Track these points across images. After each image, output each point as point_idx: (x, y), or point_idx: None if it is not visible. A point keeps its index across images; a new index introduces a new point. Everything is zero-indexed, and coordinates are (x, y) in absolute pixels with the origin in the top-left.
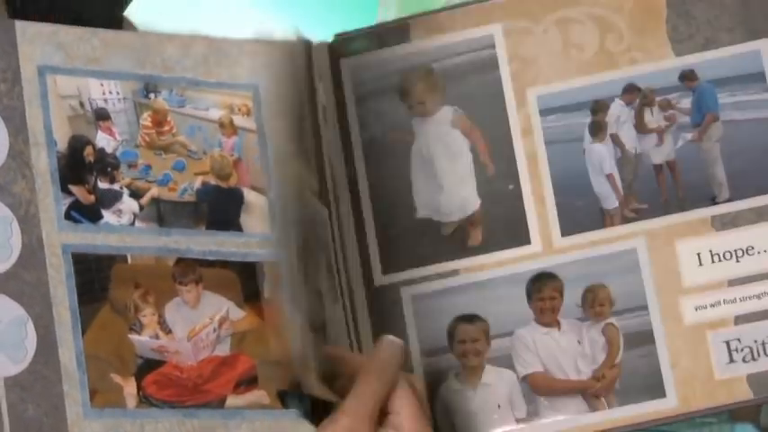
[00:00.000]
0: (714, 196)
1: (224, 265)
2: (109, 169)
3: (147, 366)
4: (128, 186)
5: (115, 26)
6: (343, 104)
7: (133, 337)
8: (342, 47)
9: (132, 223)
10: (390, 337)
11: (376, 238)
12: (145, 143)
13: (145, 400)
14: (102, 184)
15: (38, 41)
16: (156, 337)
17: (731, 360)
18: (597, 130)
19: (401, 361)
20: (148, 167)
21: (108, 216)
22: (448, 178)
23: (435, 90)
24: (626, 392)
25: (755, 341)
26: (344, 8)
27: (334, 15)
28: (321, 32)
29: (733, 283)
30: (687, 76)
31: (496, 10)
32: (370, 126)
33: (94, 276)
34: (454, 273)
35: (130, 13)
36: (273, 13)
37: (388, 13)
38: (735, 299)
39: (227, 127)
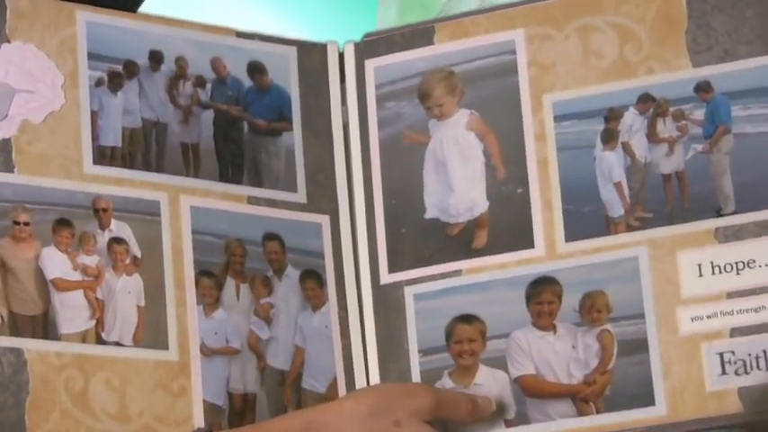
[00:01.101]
0: (720, 208)
1: None
2: None
3: None
4: None
5: None
6: (365, 104)
7: None
8: (368, 47)
9: None
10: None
11: (385, 237)
12: None
13: None
14: None
15: None
16: None
17: (723, 372)
18: (609, 137)
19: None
20: None
21: None
22: (459, 180)
23: (454, 93)
24: (616, 399)
25: (749, 355)
26: (344, 8)
27: (334, 15)
28: (321, 32)
29: (732, 295)
30: (702, 88)
31: (520, 16)
32: (388, 126)
33: None
34: (457, 273)
35: None
36: (273, 12)
37: (388, 13)
38: (732, 311)
39: None
